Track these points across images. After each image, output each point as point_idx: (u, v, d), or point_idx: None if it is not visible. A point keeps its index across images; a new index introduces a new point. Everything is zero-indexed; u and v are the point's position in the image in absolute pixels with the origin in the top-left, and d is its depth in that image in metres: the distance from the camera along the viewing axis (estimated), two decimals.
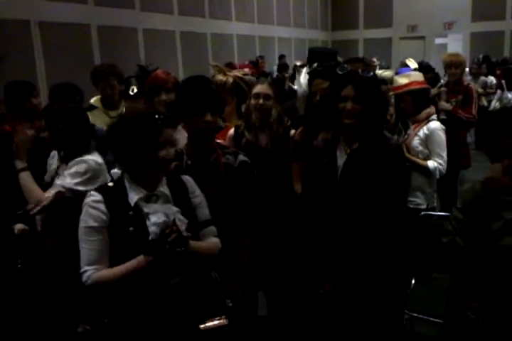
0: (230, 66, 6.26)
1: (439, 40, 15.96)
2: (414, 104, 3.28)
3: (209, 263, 1.95)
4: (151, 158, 1.78)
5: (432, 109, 3.35)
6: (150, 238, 1.71)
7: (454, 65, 4.61)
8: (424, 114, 3.29)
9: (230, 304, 1.94)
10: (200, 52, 10.07)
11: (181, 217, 1.83)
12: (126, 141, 1.79)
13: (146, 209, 1.79)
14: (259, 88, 2.86)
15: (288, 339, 2.83)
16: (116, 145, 1.84)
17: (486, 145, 1.88)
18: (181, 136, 2.68)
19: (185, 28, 9.94)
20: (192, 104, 2.12)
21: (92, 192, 1.83)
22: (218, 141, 2.45)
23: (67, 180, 2.35)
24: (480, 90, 7.35)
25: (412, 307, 2.68)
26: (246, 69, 4.60)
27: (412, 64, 7.59)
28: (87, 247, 1.77)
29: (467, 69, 7.78)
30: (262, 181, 2.39)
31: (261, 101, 2.81)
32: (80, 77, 4.03)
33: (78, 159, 2.41)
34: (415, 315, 2.67)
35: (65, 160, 2.48)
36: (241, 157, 2.29)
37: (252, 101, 2.84)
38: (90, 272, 1.75)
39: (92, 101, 3.66)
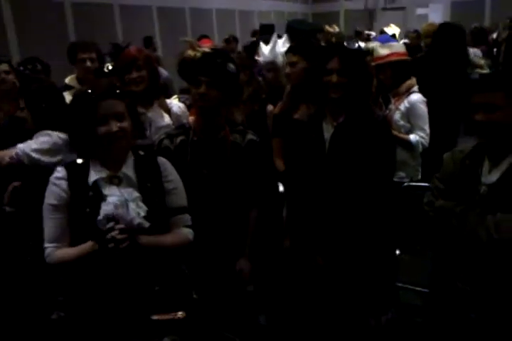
0: (202, 39, 6.14)
1: (420, 11, 15.83)
2: (393, 76, 3.24)
3: (179, 255, 1.91)
4: (92, 135, 1.70)
5: (413, 80, 3.32)
6: (98, 218, 1.68)
7: (427, 34, 4.60)
8: (404, 86, 3.26)
9: (195, 296, 1.92)
10: (179, 28, 9.85)
11: (141, 204, 1.75)
12: (68, 120, 1.76)
13: (104, 191, 1.74)
14: None
15: (276, 315, 2.85)
16: (66, 126, 1.82)
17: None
18: (158, 115, 2.64)
19: (163, 3, 9.71)
20: (189, 75, 2.11)
21: (58, 168, 1.79)
22: (190, 118, 2.42)
23: (26, 145, 2.34)
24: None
25: (398, 277, 2.72)
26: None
27: (392, 30, 7.50)
28: (49, 224, 1.76)
29: None
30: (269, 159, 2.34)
31: None
32: (54, 55, 3.94)
33: (44, 131, 2.39)
34: (400, 285, 2.71)
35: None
36: (249, 136, 2.27)
37: None
38: (50, 250, 1.76)
39: (67, 80, 3.57)
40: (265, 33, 6.87)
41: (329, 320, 2.40)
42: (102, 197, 1.73)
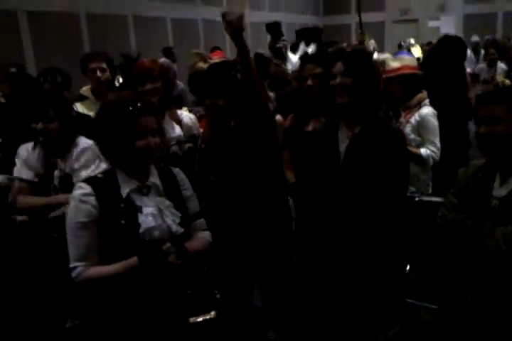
0: (214, 51, 6.19)
1: (432, 23, 15.84)
2: (403, 89, 3.24)
3: (201, 257, 1.95)
4: (130, 148, 1.73)
5: (424, 94, 3.31)
6: (140, 231, 1.71)
7: None
8: (415, 99, 3.25)
9: (218, 296, 1.98)
10: (192, 40, 9.94)
11: (174, 211, 1.82)
12: (103, 132, 1.77)
13: (138, 202, 1.76)
14: None
15: (282, 328, 2.84)
16: (97, 136, 1.83)
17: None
18: (169, 126, 2.66)
19: (176, 15, 9.82)
20: (202, 87, 2.16)
21: (82, 184, 1.77)
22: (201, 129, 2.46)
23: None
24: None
25: (407, 293, 2.70)
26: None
27: (418, 52, 7.47)
28: (76, 243, 1.73)
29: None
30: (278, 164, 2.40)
31: None
32: (69, 66, 3.98)
33: (81, 148, 2.43)
34: (410, 300, 2.69)
35: (56, 155, 2.45)
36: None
37: None
38: (80, 269, 1.73)
39: (82, 91, 3.62)
40: (271, 31, 6.77)
41: (337, 334, 2.38)
42: (137, 208, 1.75)
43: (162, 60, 4.10)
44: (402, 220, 2.27)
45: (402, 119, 3.31)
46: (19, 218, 2.68)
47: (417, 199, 3.07)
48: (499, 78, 5.38)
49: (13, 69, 3.44)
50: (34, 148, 2.54)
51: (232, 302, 2.25)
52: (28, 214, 2.56)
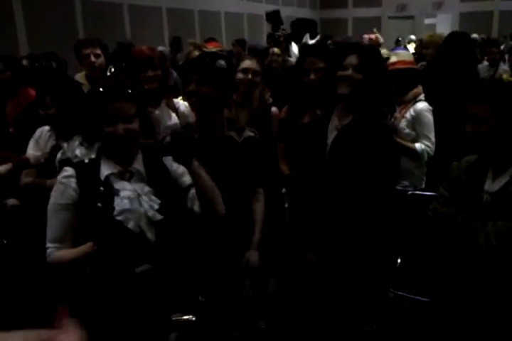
0: (209, 42, 6.15)
1: (428, 20, 15.87)
2: (398, 84, 3.24)
3: (188, 256, 1.91)
4: (101, 134, 1.73)
5: (419, 89, 3.31)
6: (114, 213, 1.70)
7: (425, 45, 4.60)
8: (410, 94, 3.26)
9: (203, 299, 1.92)
10: (188, 30, 9.89)
11: (153, 197, 1.78)
12: (80, 117, 1.80)
13: (116, 186, 1.76)
14: (248, 63, 2.83)
15: (273, 318, 2.85)
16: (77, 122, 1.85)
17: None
18: (165, 114, 2.65)
19: (172, 5, 9.75)
20: (182, 75, 2.17)
21: (66, 168, 1.80)
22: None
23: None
24: None
25: (399, 286, 2.72)
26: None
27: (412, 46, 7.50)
28: (53, 224, 1.75)
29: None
30: (268, 156, 2.37)
31: (250, 76, 2.78)
32: (63, 52, 3.95)
33: None
34: (401, 293, 2.70)
35: (64, 137, 2.44)
36: (247, 132, 2.29)
37: (240, 76, 2.79)
38: (50, 250, 1.75)
39: (77, 77, 3.58)
40: (272, 21, 6.79)
41: (326, 325, 2.39)
42: (114, 192, 1.74)
43: (160, 48, 4.08)
44: (390, 212, 2.28)
45: (397, 114, 3.31)
46: (10, 202, 2.67)
47: (409, 192, 3.08)
48: (506, 77, 5.28)
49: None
50: (49, 130, 2.57)
51: (222, 292, 2.24)
52: (20, 197, 2.56)
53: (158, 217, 1.76)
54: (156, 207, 1.77)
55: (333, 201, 2.20)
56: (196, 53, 3.30)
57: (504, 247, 1.76)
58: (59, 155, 2.39)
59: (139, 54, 2.64)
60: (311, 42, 3.08)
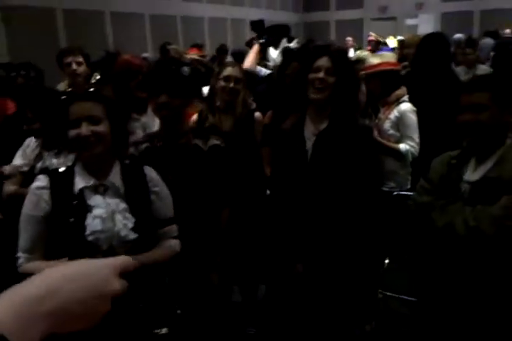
0: (191, 49, 6.15)
1: (410, 21, 16.00)
2: (382, 85, 3.26)
3: (163, 267, 1.84)
4: (65, 138, 1.63)
5: (403, 90, 3.33)
6: (86, 233, 1.63)
7: (406, 45, 4.65)
8: (394, 96, 3.27)
9: (179, 311, 1.84)
10: (170, 36, 9.88)
11: (128, 215, 1.70)
12: (45, 123, 1.74)
13: (90, 201, 1.68)
14: (229, 71, 2.82)
15: (263, 324, 2.85)
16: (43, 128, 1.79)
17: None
18: (150, 120, 2.65)
19: (155, 11, 9.74)
20: (150, 85, 2.10)
21: (40, 176, 1.72)
22: None
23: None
24: None
25: (387, 286, 2.73)
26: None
27: (393, 42, 7.56)
28: (24, 235, 1.68)
29: None
30: (233, 166, 2.34)
31: (231, 84, 2.78)
32: (45, 63, 3.92)
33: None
34: (388, 293, 2.71)
35: (48, 146, 2.42)
36: (213, 141, 2.24)
37: (222, 83, 2.80)
38: (21, 260, 1.69)
39: (59, 86, 3.57)
40: (256, 30, 6.80)
41: (316, 329, 2.39)
42: (87, 208, 1.67)
43: (145, 54, 4.06)
44: (377, 213, 2.28)
45: (381, 115, 3.33)
46: None
47: (395, 193, 3.10)
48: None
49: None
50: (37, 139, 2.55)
51: (211, 299, 2.22)
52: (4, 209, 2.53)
53: (132, 236, 1.68)
54: (131, 225, 1.69)
55: (318, 206, 2.19)
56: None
57: (481, 230, 1.76)
58: (39, 164, 2.38)
59: (128, 64, 2.66)
60: (291, 46, 3.08)
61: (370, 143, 2.29)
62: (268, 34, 3.70)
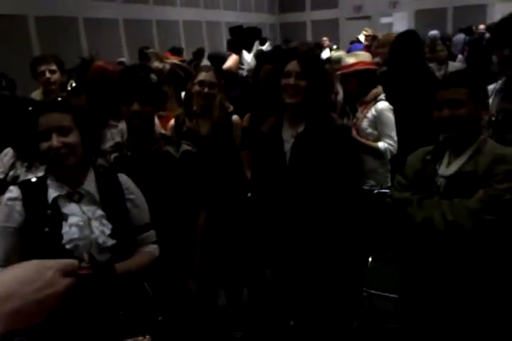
0: (174, 51, 6.11)
1: (384, 20, 16.16)
2: (359, 84, 3.27)
3: (142, 273, 1.82)
4: (37, 150, 1.61)
5: (379, 89, 3.35)
6: (63, 242, 1.61)
7: (381, 44, 4.69)
8: (371, 94, 3.29)
9: (160, 318, 1.82)
10: (146, 41, 9.83)
11: (105, 222, 1.68)
12: (13, 135, 1.72)
13: (65, 210, 1.65)
14: (204, 75, 2.80)
15: (249, 327, 2.84)
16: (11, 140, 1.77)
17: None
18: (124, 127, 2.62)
19: (129, 16, 9.67)
20: (120, 93, 2.03)
21: (11, 188, 1.69)
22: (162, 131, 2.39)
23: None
24: None
25: (370, 284, 2.74)
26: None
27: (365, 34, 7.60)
28: None
29: None
30: (207, 170, 2.31)
31: (206, 89, 2.76)
32: (18, 71, 3.88)
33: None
34: (373, 291, 2.72)
35: (22, 157, 2.38)
36: (184, 147, 2.20)
37: (197, 88, 2.78)
38: None
39: (33, 95, 3.52)
40: (236, 36, 6.83)
41: (302, 330, 2.39)
42: (62, 216, 1.64)
43: (122, 59, 4.02)
44: (358, 212, 2.29)
45: (358, 114, 3.34)
46: None
47: (375, 191, 3.12)
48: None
49: None
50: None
51: (191, 305, 2.19)
52: None
53: (110, 242, 1.67)
54: (108, 232, 1.67)
55: (299, 207, 2.18)
56: (156, 64, 3.26)
57: (459, 223, 1.77)
58: (11, 172, 2.34)
59: (102, 70, 2.63)
60: (264, 48, 3.06)
61: (348, 142, 2.29)
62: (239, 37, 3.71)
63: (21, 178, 2.19)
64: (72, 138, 1.62)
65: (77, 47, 7.98)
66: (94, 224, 1.67)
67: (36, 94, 3.51)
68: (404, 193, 1.98)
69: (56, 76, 3.40)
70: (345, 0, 16.01)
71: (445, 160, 1.95)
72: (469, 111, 1.84)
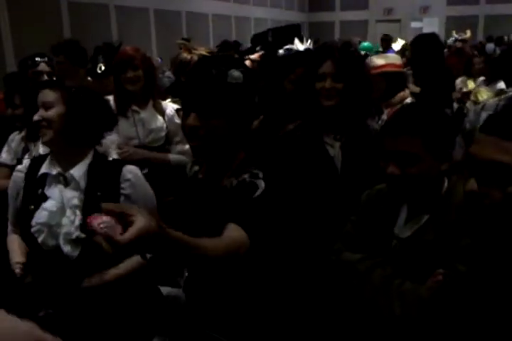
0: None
1: (414, 24, 16.01)
2: (386, 86, 3.24)
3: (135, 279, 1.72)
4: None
5: (406, 92, 3.32)
6: (32, 223, 1.59)
7: (407, 48, 4.66)
8: (398, 97, 3.26)
9: (50, 311, 1.62)
10: (175, 31, 9.87)
11: (78, 212, 1.57)
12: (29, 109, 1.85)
13: (47, 191, 1.63)
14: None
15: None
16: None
17: None
18: (150, 116, 2.62)
19: (160, 6, 9.72)
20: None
21: (24, 161, 1.83)
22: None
23: None
24: None
25: None
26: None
27: (398, 45, 7.55)
28: (10, 209, 1.78)
29: None
30: None
31: None
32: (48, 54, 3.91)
33: None
34: None
35: (31, 138, 2.41)
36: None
37: None
38: (9, 231, 1.84)
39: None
40: (257, 43, 6.62)
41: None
42: (44, 197, 1.62)
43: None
44: None
45: (384, 117, 3.32)
46: None
47: None
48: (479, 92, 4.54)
49: None
50: (18, 133, 2.54)
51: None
52: None
53: (76, 234, 1.55)
54: (77, 223, 1.55)
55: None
56: (185, 55, 3.22)
57: (409, 316, 1.37)
58: (26, 156, 2.36)
59: (122, 54, 2.61)
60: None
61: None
62: (275, 37, 3.64)
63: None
64: (51, 112, 1.61)
65: (107, 34, 8.04)
66: (68, 212, 1.58)
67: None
68: (351, 256, 1.57)
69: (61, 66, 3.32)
70: (375, 1, 15.89)
71: (403, 215, 1.52)
72: (423, 167, 1.37)
